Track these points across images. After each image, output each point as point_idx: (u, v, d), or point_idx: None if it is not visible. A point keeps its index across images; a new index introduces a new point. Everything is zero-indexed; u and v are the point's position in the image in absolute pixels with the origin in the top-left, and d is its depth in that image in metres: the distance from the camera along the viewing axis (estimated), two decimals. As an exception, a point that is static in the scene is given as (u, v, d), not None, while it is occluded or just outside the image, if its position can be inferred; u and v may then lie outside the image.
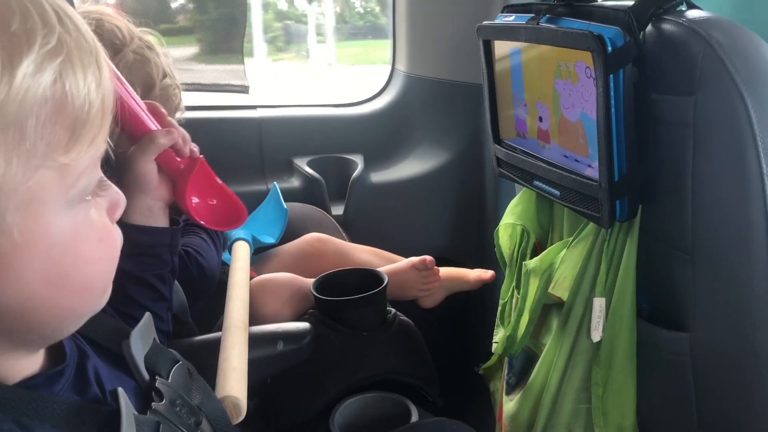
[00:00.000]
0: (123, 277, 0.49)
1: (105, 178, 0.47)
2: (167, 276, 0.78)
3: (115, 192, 0.49)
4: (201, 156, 0.81)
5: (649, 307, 0.87)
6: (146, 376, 0.55)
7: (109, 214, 0.48)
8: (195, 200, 0.81)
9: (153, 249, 0.75)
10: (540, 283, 0.96)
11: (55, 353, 0.49)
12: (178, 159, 0.78)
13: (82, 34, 0.41)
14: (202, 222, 0.82)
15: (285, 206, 1.43)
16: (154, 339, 0.59)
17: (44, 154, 0.38)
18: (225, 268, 1.14)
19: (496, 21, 0.98)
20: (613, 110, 0.77)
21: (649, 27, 0.78)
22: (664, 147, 0.78)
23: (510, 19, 0.95)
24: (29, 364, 0.46)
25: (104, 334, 0.56)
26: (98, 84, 0.41)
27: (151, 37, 1.03)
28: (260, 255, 1.33)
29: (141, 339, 0.56)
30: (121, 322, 0.59)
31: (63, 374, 0.48)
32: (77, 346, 0.52)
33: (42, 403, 0.43)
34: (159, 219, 0.76)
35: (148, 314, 0.59)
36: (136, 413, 0.48)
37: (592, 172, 0.84)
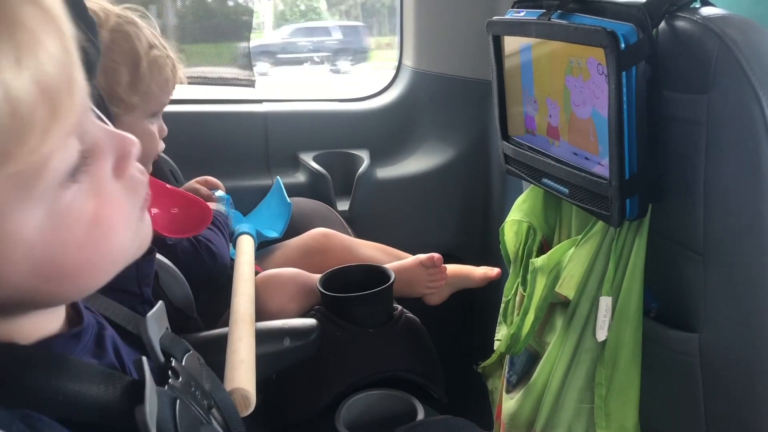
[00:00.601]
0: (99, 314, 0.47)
1: (104, 127, 0.39)
2: (141, 309, 0.75)
3: (118, 143, 0.41)
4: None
5: (658, 307, 0.86)
6: (161, 357, 0.54)
7: (116, 172, 0.41)
8: (155, 210, 0.80)
9: (118, 283, 0.71)
10: (547, 281, 0.95)
11: (74, 319, 0.48)
12: None
13: None
14: (163, 233, 0.81)
15: (288, 200, 1.42)
16: (167, 328, 0.58)
17: None
18: (230, 262, 1.14)
19: (507, 16, 0.98)
20: (625, 108, 0.76)
21: (663, 24, 0.77)
22: (676, 145, 0.77)
23: (520, 14, 0.95)
24: (48, 324, 0.44)
25: (121, 317, 0.56)
26: (17, 74, 0.32)
27: (131, 13, 1.02)
28: (264, 250, 1.33)
29: (156, 322, 0.55)
30: (134, 313, 0.58)
31: (81, 338, 0.46)
32: (95, 318, 0.51)
33: (62, 361, 0.41)
34: None
35: (161, 302, 0.58)
36: (155, 385, 0.46)
37: (602, 170, 0.83)
